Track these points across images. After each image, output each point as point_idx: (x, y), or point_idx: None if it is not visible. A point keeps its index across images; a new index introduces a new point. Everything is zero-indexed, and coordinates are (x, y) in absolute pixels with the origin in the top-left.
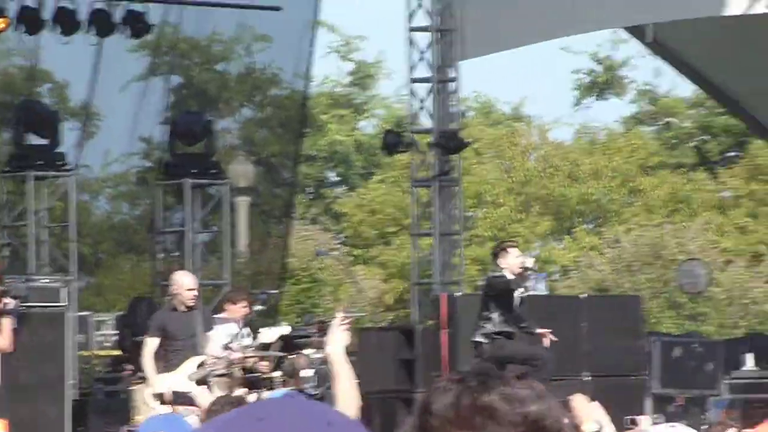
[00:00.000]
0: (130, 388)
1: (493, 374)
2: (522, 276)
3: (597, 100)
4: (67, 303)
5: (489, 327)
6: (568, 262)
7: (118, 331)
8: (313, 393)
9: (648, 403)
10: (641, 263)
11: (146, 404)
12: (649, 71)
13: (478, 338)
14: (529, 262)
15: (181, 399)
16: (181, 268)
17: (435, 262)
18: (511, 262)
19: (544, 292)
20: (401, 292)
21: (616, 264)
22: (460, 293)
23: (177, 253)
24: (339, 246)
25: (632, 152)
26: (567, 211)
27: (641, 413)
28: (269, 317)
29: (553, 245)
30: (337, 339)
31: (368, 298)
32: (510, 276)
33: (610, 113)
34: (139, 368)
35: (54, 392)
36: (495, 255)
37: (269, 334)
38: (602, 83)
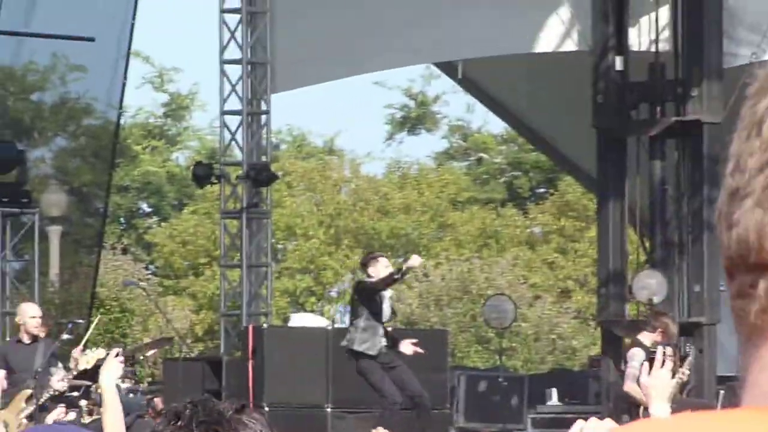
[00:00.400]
0: None
1: (214, 416)
2: (391, 279)
3: (409, 134)
4: None
5: (354, 333)
6: None
7: None
8: None
9: None
10: (450, 297)
11: None
12: (461, 107)
13: (344, 343)
14: (416, 261)
15: None
16: None
17: (243, 294)
18: (381, 272)
19: None
20: (211, 323)
21: (425, 298)
22: (267, 325)
23: None
24: (149, 276)
25: (443, 187)
26: (377, 244)
27: None
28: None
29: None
30: (110, 371)
31: (178, 329)
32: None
33: (422, 148)
34: None
35: None
36: (364, 264)
37: (86, 359)
38: (414, 118)
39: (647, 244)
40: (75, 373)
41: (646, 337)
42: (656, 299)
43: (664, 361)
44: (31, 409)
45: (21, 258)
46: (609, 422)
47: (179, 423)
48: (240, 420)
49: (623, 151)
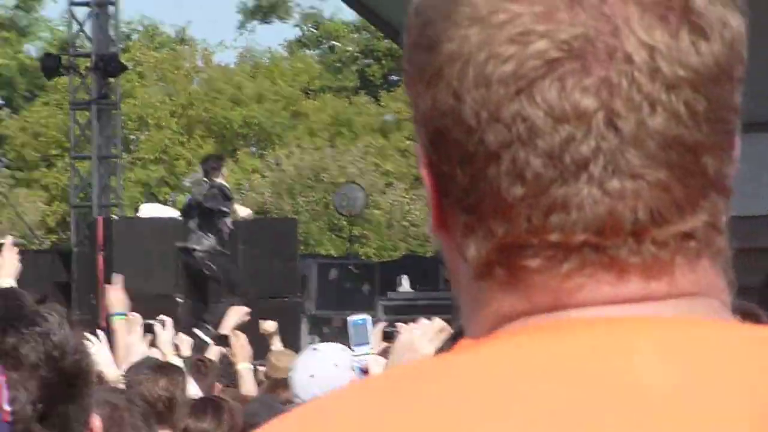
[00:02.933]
0: None
1: (13, 312)
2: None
3: (261, 23)
4: None
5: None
6: (231, 185)
7: None
8: None
9: (304, 326)
10: (302, 186)
11: None
12: None
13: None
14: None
15: None
16: None
17: (93, 185)
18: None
19: None
20: (63, 215)
21: (277, 186)
22: (116, 216)
23: None
24: (1, 169)
25: (295, 76)
26: (230, 134)
27: (298, 335)
28: None
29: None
30: (9, 267)
31: (31, 221)
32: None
33: (274, 37)
34: None
35: None
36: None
37: None
38: (266, 7)
39: None
40: None
41: None
42: None
43: None
44: None
45: None
46: (438, 322)
47: None
48: (40, 314)
49: None
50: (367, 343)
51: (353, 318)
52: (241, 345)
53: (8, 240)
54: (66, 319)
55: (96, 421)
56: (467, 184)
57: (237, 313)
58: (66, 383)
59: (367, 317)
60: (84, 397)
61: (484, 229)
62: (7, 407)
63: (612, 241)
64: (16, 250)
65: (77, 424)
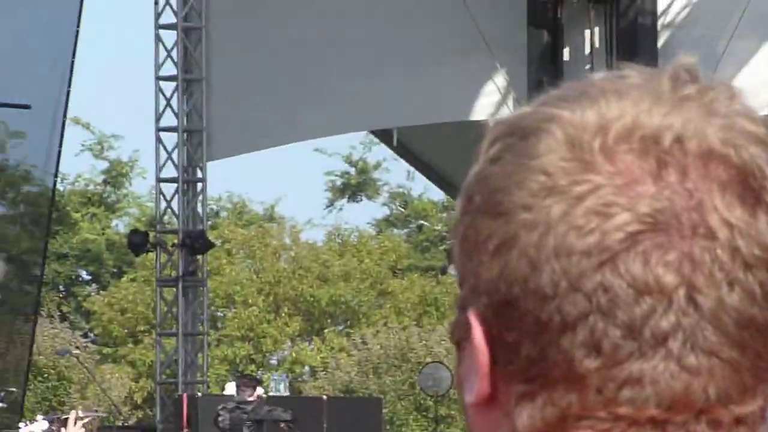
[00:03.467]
0: None
1: None
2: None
3: (349, 201)
4: None
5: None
6: (317, 363)
7: None
8: None
9: None
10: (388, 365)
11: None
12: (402, 174)
13: None
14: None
15: None
16: None
17: (179, 362)
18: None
19: (285, 393)
20: (150, 392)
21: (363, 366)
22: (201, 394)
23: None
24: (86, 344)
25: (383, 254)
26: (317, 312)
27: None
28: (14, 414)
29: (302, 346)
30: None
31: (116, 396)
32: None
33: (362, 215)
34: None
35: None
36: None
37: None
38: (355, 185)
39: None
40: None
41: None
42: None
43: None
44: None
45: None
46: None
47: None
48: None
49: None
50: None
51: None
52: None
53: (72, 414)
54: None
55: None
56: (536, 353)
57: None
58: None
59: None
60: None
61: (545, 397)
62: None
63: (678, 418)
64: (80, 424)
65: None
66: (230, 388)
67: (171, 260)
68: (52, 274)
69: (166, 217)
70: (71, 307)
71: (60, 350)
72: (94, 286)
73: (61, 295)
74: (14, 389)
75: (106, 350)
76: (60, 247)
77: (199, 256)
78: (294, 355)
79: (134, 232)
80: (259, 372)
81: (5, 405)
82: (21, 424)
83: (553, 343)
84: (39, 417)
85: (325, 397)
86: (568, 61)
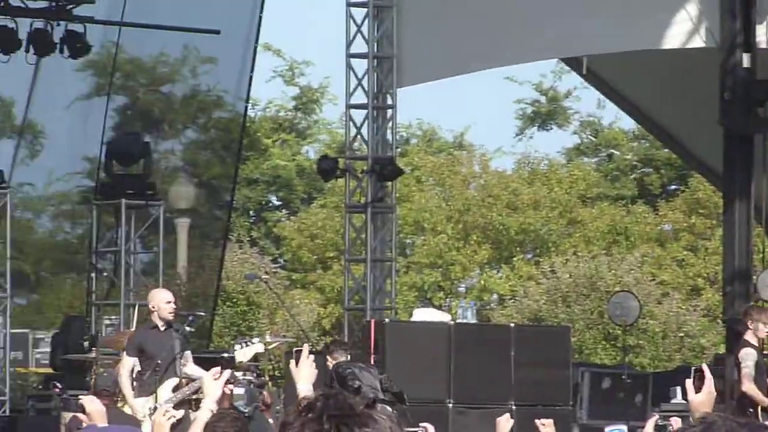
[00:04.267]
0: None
1: (345, 410)
2: None
3: (539, 130)
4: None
5: None
6: (505, 291)
7: (51, 349)
8: (243, 411)
9: None
10: (577, 294)
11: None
12: (592, 102)
13: None
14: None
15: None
16: (113, 287)
17: (368, 288)
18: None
19: (473, 321)
20: (338, 318)
21: (552, 294)
22: (388, 320)
23: (106, 273)
24: (276, 270)
25: (573, 183)
26: (505, 240)
27: None
28: (202, 339)
29: (491, 274)
30: (211, 393)
31: (304, 322)
32: None
33: (552, 144)
34: (68, 386)
35: None
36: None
37: (244, 353)
38: (545, 113)
39: None
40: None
41: (751, 336)
42: None
43: None
44: (180, 397)
45: (147, 250)
46: None
47: (310, 415)
48: (370, 415)
49: (750, 149)
50: None
51: (611, 428)
52: None
53: (305, 348)
54: (396, 423)
55: None
56: None
57: None
58: None
59: (624, 428)
60: None
61: None
62: None
63: None
64: (312, 357)
65: None
66: (417, 315)
67: (360, 186)
68: (242, 199)
69: (356, 144)
70: (261, 233)
71: (248, 275)
72: (284, 212)
73: (251, 221)
74: (203, 313)
75: (295, 276)
76: (251, 172)
77: (389, 183)
78: (482, 282)
79: (324, 158)
80: (447, 299)
81: (193, 329)
82: (237, 346)
83: None
84: (255, 339)
85: (512, 324)
86: None
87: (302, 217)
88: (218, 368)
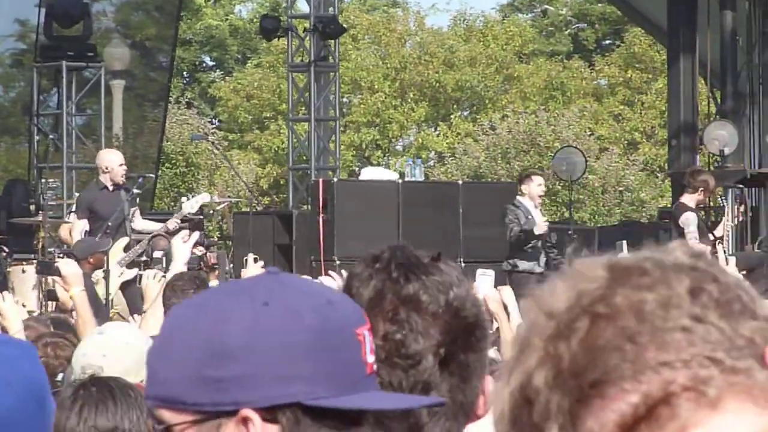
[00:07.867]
0: (8, 269)
1: (412, 260)
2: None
3: None
4: None
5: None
6: (443, 149)
7: None
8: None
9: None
10: (517, 150)
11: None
12: None
13: None
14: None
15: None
16: (56, 150)
17: (311, 147)
18: (533, 190)
19: (420, 179)
20: (276, 177)
21: (492, 151)
22: (336, 179)
23: (53, 136)
24: (214, 131)
25: (508, 39)
26: (443, 97)
27: None
28: (145, 200)
29: (428, 131)
30: (180, 255)
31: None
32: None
33: (487, 0)
34: (15, 250)
35: None
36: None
37: (191, 204)
38: None
39: (718, 96)
40: (179, 219)
41: (689, 199)
42: (727, 150)
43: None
44: (132, 256)
45: (84, 113)
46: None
47: (377, 266)
48: (436, 265)
49: (694, 3)
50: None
51: (482, 270)
52: None
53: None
54: (463, 273)
55: (489, 384)
56: None
57: None
58: (466, 333)
59: (492, 272)
60: (482, 350)
61: None
62: (371, 359)
63: None
64: (191, 241)
65: (475, 375)
66: (364, 174)
67: (302, 46)
68: (175, 60)
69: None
70: (195, 94)
71: (195, 135)
72: (218, 72)
73: (184, 82)
74: (151, 175)
75: (232, 136)
76: (183, 33)
77: (331, 41)
78: (420, 140)
79: (266, 17)
80: (385, 158)
81: (140, 191)
82: (183, 198)
83: None
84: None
85: (460, 182)
86: None
87: (237, 78)
88: (186, 231)
